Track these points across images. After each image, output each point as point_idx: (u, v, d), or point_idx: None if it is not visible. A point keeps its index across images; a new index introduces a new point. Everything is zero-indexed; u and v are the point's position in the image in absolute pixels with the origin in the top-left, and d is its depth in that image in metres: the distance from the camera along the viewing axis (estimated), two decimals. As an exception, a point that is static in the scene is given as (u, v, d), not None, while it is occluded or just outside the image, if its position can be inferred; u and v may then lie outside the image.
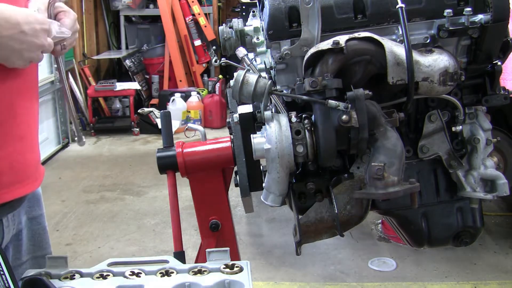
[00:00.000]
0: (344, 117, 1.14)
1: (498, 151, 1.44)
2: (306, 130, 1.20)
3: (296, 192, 1.32)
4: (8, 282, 0.99)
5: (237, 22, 1.59)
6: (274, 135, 1.19)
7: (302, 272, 3.19)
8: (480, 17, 1.27)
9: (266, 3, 1.30)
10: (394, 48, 1.20)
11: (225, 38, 1.56)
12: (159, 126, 5.89)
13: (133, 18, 7.50)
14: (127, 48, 7.37)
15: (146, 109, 6.37)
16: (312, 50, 1.21)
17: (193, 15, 6.95)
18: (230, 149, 1.48)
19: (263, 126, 1.29)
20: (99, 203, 4.36)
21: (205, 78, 7.33)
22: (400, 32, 1.26)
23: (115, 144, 5.99)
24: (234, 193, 1.66)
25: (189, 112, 6.47)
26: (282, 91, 1.30)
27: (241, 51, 1.34)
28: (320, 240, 1.38)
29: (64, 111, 5.82)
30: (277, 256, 3.39)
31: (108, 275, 1.12)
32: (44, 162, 5.32)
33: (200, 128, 1.59)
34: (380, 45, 1.20)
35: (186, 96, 6.50)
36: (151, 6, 7.16)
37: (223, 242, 1.52)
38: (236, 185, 1.46)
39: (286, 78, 1.34)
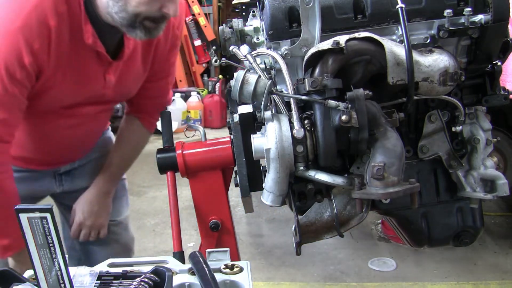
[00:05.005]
0: (344, 117, 1.14)
1: (498, 151, 1.44)
2: (306, 130, 1.20)
3: (296, 193, 1.32)
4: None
5: (237, 22, 1.59)
6: (274, 135, 1.19)
7: (302, 272, 3.19)
8: (480, 17, 1.27)
9: (266, 3, 1.30)
10: (394, 48, 1.20)
11: (225, 38, 1.56)
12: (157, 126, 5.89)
13: (133, 18, 7.49)
14: (127, 48, 7.35)
15: (146, 109, 6.36)
16: (312, 50, 1.21)
17: (193, 15, 6.95)
18: (230, 149, 1.48)
19: (263, 126, 1.29)
20: (99, 203, 4.35)
21: (205, 78, 7.33)
22: (400, 32, 1.26)
23: (115, 144, 5.99)
24: (234, 193, 1.66)
25: (189, 112, 6.47)
26: (282, 91, 1.30)
27: (244, 49, 1.33)
28: (320, 240, 1.39)
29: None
30: (277, 256, 3.39)
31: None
32: (44, 162, 5.31)
33: (200, 128, 1.58)
34: (380, 45, 1.20)
35: (186, 96, 6.50)
36: (151, 6, 7.15)
37: (223, 242, 1.52)
38: (236, 185, 1.45)
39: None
